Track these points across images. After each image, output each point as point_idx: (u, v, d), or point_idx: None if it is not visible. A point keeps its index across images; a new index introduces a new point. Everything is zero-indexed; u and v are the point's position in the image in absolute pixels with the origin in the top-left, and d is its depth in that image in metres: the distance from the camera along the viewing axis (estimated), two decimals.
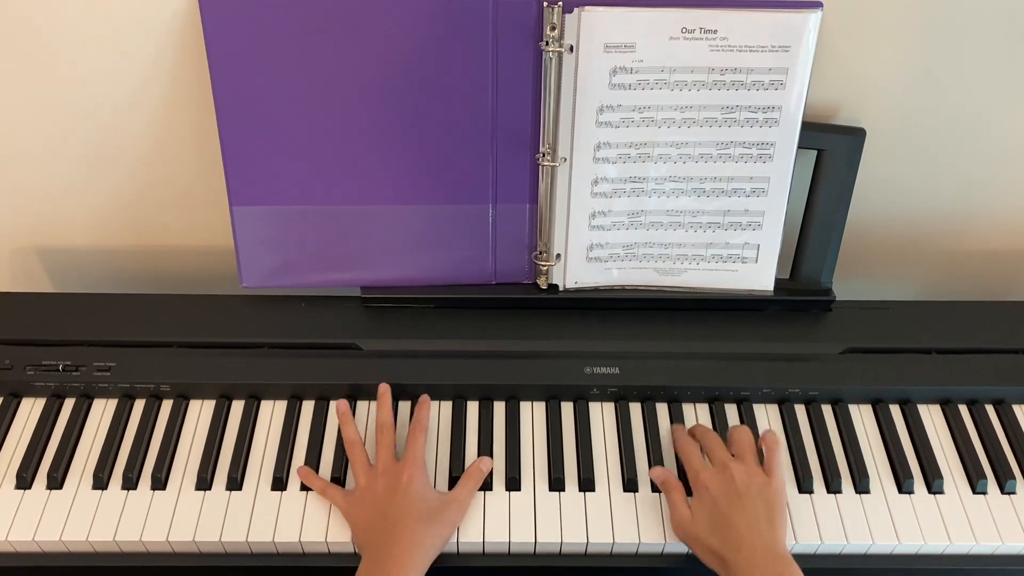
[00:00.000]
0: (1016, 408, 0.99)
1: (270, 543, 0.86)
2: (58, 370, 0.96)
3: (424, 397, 0.95)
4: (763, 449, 0.89)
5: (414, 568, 0.81)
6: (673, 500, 0.87)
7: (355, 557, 0.85)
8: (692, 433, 0.93)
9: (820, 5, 0.88)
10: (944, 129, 1.02)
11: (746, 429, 0.91)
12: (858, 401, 0.98)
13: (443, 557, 0.87)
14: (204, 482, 0.90)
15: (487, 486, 0.90)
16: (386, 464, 0.88)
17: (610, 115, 0.92)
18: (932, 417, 0.98)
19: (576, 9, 0.87)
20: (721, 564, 0.82)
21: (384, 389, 0.94)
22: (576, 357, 0.98)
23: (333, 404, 0.96)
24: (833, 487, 0.91)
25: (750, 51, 0.89)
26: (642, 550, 0.87)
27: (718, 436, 0.91)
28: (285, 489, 0.90)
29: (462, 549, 0.87)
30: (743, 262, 1.00)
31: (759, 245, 0.99)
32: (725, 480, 0.85)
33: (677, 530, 0.86)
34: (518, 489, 0.90)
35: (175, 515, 0.88)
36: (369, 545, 0.83)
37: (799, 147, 0.94)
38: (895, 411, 0.98)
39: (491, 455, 0.92)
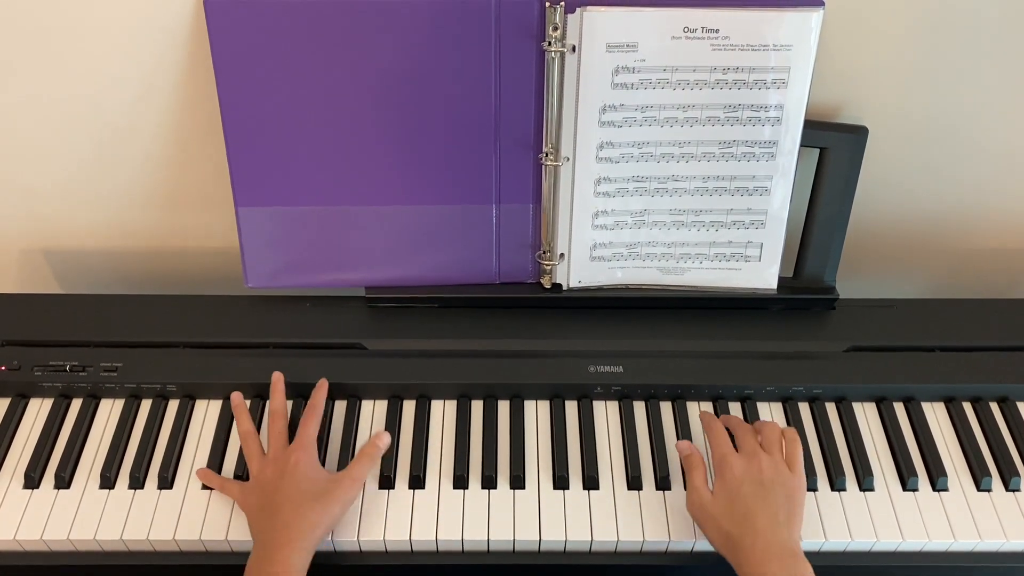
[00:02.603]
0: (1020, 405, 0.99)
1: None
2: (65, 370, 0.96)
3: (322, 381, 0.95)
4: (784, 445, 0.88)
5: (301, 547, 0.81)
6: (694, 478, 0.86)
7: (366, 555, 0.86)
8: (724, 422, 0.92)
9: (822, 4, 0.88)
10: (947, 126, 1.02)
11: (775, 424, 0.90)
12: (862, 399, 0.99)
13: (447, 555, 0.88)
14: None
15: (491, 484, 0.90)
16: (276, 451, 0.88)
17: (613, 115, 0.92)
18: (936, 415, 0.98)
19: (578, 9, 0.87)
20: (732, 548, 0.81)
21: (277, 377, 0.94)
22: (580, 356, 0.98)
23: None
24: (837, 485, 0.91)
25: (752, 50, 0.89)
26: (646, 547, 0.88)
27: (750, 428, 0.90)
28: None
29: (467, 547, 0.88)
30: (746, 261, 1.01)
31: (762, 244, 0.99)
32: (752, 468, 0.85)
33: (692, 508, 0.85)
34: (522, 487, 0.90)
35: (182, 514, 0.88)
36: (258, 530, 0.84)
37: (802, 145, 0.95)
38: (899, 409, 0.98)
39: (496, 454, 0.92)
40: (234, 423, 0.94)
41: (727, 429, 0.91)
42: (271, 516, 0.83)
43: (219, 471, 0.92)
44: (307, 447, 0.88)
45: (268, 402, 0.93)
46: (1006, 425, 0.97)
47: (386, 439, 0.90)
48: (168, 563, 0.88)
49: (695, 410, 0.97)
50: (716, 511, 0.83)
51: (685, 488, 0.88)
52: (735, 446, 0.88)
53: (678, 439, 0.94)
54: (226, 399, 0.97)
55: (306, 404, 0.93)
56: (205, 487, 0.90)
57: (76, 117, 1.00)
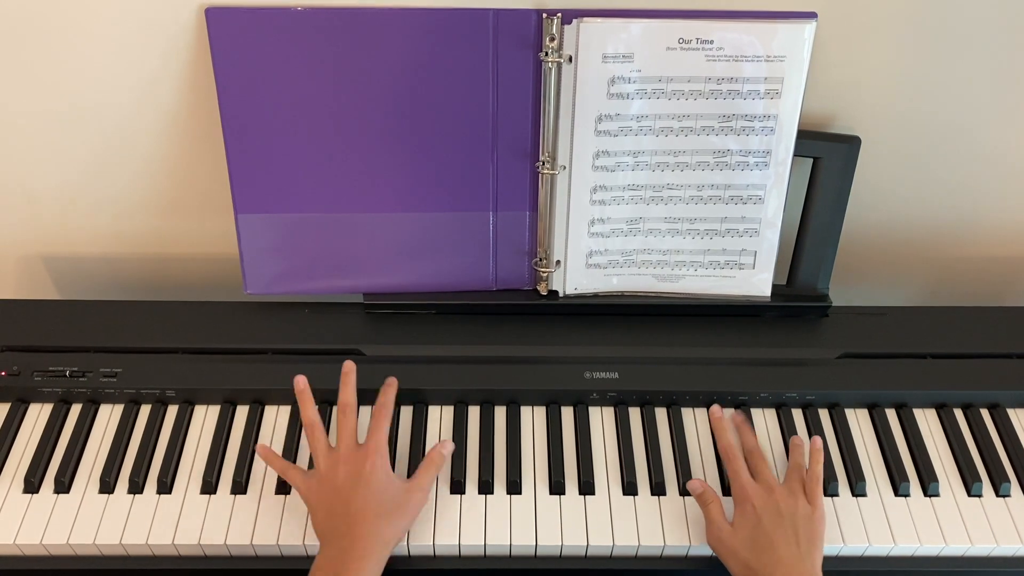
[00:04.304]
0: (1010, 412, 1.00)
1: (274, 545, 0.87)
2: (65, 376, 0.97)
3: (390, 379, 0.93)
4: (806, 482, 0.89)
5: (376, 561, 0.81)
6: (711, 512, 0.87)
7: None
8: (743, 438, 0.93)
9: (814, 15, 0.90)
10: (939, 136, 1.03)
11: (802, 463, 0.91)
12: (854, 405, 0.99)
13: (444, 560, 0.88)
14: (209, 486, 0.91)
15: (488, 490, 0.91)
16: (348, 449, 0.86)
17: (608, 124, 0.93)
18: (928, 421, 0.99)
19: (575, 20, 0.88)
20: None
21: (350, 367, 0.91)
22: (576, 362, 0.99)
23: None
24: (830, 490, 0.92)
25: (746, 61, 0.90)
26: (642, 552, 0.88)
27: (765, 458, 0.91)
28: (288, 493, 0.91)
29: (464, 552, 0.88)
30: (740, 268, 1.02)
31: (756, 252, 1.01)
32: (771, 500, 0.86)
33: (712, 541, 0.86)
34: (519, 492, 0.91)
35: (180, 518, 0.89)
36: (330, 535, 0.83)
37: (795, 155, 0.96)
38: (891, 415, 0.99)
39: (492, 459, 0.93)
40: (234, 423, 0.95)
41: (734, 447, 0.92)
42: (347, 525, 0.82)
43: (217, 476, 0.92)
44: (382, 452, 0.86)
45: (339, 395, 0.89)
46: (997, 432, 0.98)
47: (450, 446, 0.90)
48: (167, 567, 0.88)
49: (690, 416, 0.98)
50: (736, 543, 0.84)
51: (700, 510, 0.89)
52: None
53: (673, 444, 0.95)
54: (224, 404, 0.97)
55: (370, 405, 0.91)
56: (205, 491, 0.91)
57: (76, 124, 1.00)
